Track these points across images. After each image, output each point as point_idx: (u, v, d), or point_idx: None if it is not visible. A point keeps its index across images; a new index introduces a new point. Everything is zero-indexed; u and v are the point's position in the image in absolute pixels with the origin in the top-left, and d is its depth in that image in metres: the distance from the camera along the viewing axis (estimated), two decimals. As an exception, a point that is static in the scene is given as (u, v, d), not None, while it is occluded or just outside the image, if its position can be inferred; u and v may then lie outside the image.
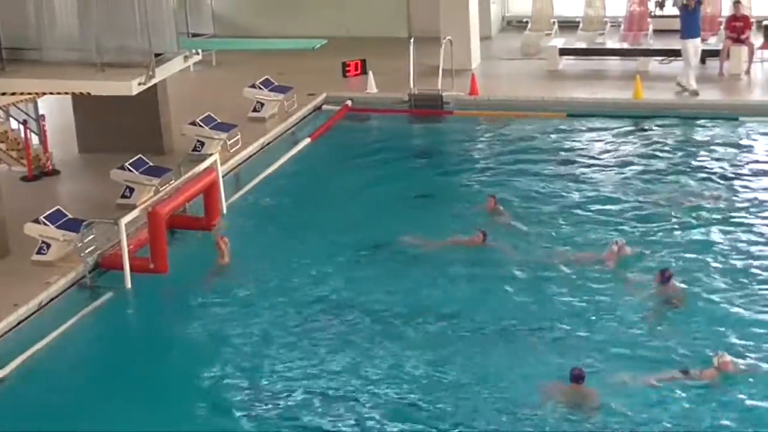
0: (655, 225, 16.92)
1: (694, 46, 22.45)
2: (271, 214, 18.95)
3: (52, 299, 15.47)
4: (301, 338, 14.80)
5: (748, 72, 23.28)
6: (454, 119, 23.18)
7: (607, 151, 20.85)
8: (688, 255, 15.89)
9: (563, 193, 18.85)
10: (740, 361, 13.35)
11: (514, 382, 13.28)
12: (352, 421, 12.71)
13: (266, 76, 22.72)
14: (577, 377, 12.64)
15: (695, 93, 22.02)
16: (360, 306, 15.54)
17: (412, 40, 23.61)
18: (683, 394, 12.76)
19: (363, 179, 20.17)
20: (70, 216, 16.74)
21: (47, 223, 16.40)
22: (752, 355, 13.43)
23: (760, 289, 14.74)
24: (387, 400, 13.12)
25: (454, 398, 12.95)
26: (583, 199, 18.80)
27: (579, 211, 18.44)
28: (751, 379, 13.12)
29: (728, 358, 13.31)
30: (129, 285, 15.89)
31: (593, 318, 14.56)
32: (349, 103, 23.41)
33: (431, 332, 14.49)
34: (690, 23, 22.89)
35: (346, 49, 25.07)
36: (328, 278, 16.36)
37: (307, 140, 21.75)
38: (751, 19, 24.38)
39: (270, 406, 13.22)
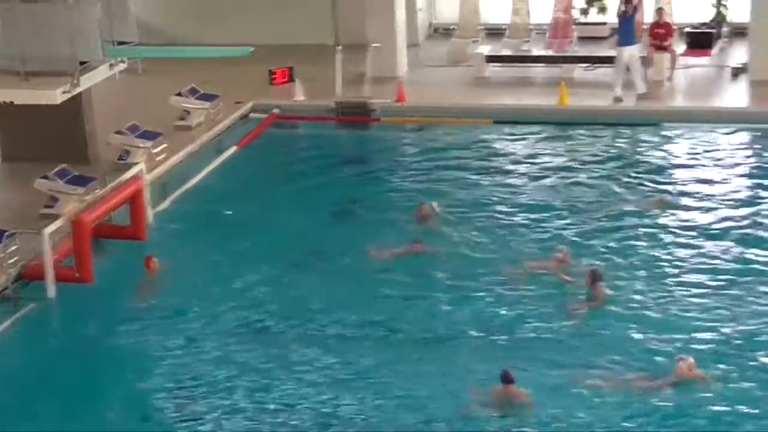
0: (581, 229, 17.11)
1: (629, 54, 22.72)
2: (199, 223, 18.90)
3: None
4: (229, 348, 14.71)
5: (670, 78, 23.64)
6: (382, 127, 23.27)
7: (534, 157, 21.01)
8: (615, 258, 16.09)
9: (492, 199, 18.99)
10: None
11: (443, 386, 13.29)
12: (285, 430, 12.76)
13: (192, 85, 22.69)
14: (505, 378, 12.72)
15: (619, 100, 22.33)
16: (287, 315, 15.51)
17: (339, 48, 23.78)
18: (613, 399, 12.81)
19: (291, 187, 20.17)
20: (-11, 226, 16.96)
21: (-35, 233, 16.65)
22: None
23: (681, 292, 15.05)
24: (314, 409, 13.09)
25: (379, 406, 12.97)
26: (512, 206, 18.92)
27: (508, 218, 18.57)
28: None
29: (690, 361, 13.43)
30: (52, 295, 15.77)
31: (524, 323, 14.62)
32: (276, 111, 23.44)
33: (359, 340, 14.47)
34: (627, 30, 23.24)
35: (272, 56, 24.89)
36: (256, 287, 16.32)
37: (234, 148, 21.82)
38: (674, 27, 24.75)
39: (196, 418, 13.11)
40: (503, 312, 14.82)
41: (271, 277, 16.60)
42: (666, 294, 15.10)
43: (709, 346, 14.24)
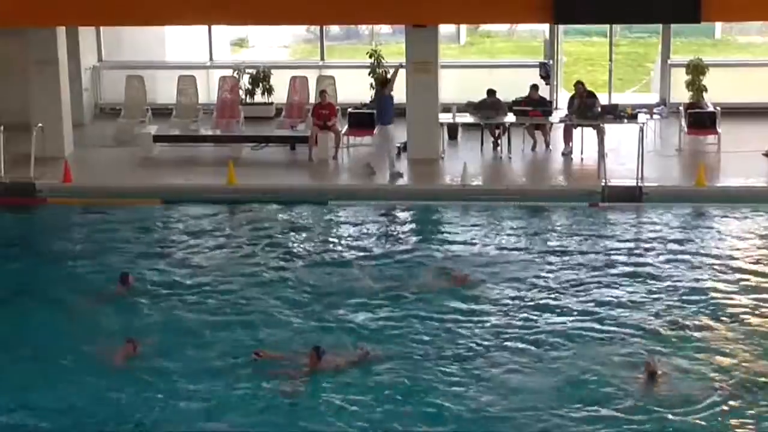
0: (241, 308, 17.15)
1: (389, 130, 23.58)
2: None
3: None
4: None
5: (335, 157, 24.30)
6: (48, 208, 22.84)
7: (204, 234, 21.06)
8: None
9: (161, 275, 18.84)
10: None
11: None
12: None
13: None
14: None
15: (397, 174, 23.09)
16: None
17: (1, 128, 23.17)
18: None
19: None
20: None
21: None
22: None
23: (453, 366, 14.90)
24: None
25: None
26: (188, 280, 18.78)
27: (185, 292, 18.28)
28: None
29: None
30: None
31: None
32: None
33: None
34: (383, 107, 23.70)
35: None
36: None
37: None
38: (337, 107, 25.38)
39: None
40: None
41: None
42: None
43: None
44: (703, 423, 13.39)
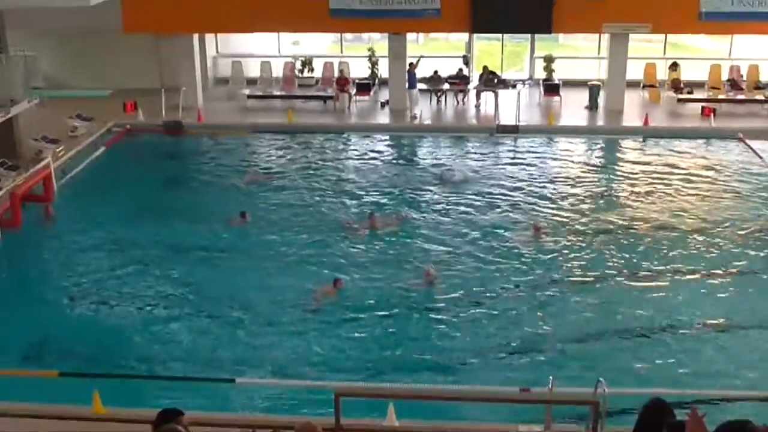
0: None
1: (415, 92, 24.17)
2: (83, 192, 19.06)
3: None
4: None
5: (349, 107, 24.80)
6: (189, 136, 22.79)
7: (273, 150, 21.38)
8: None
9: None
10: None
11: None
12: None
13: (78, 111, 22.67)
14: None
15: (414, 117, 23.41)
16: (151, 257, 15.34)
17: (163, 90, 24.10)
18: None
19: (134, 166, 20.55)
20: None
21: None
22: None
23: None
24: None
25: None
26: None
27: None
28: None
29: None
30: None
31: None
32: (127, 126, 23.31)
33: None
34: (411, 79, 24.21)
35: (122, 95, 24.82)
36: (124, 233, 16.45)
37: (104, 148, 21.80)
38: (350, 79, 25.31)
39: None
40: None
41: (136, 230, 16.40)
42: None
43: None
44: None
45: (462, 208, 17.80)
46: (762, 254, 15.45)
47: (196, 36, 25.28)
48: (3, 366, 11.02)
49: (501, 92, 24.85)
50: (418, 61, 24.41)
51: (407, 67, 24.24)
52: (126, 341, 12.35)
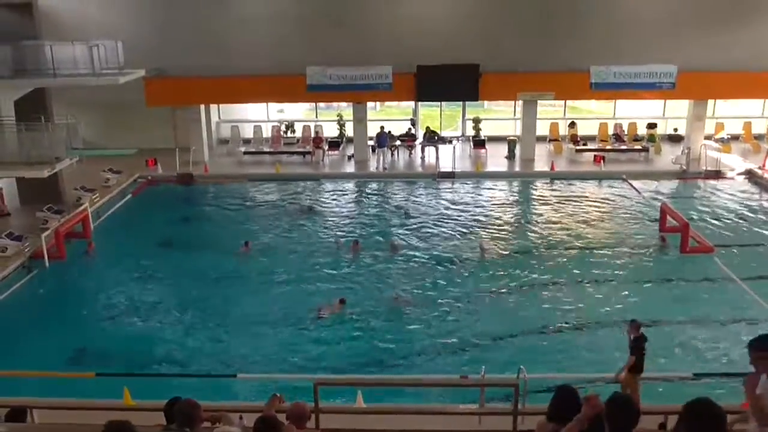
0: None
1: (385, 150, 23.63)
2: (114, 230, 18.67)
3: (8, 274, 15.40)
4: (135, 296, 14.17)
5: (323, 160, 24.05)
6: (198, 185, 22.10)
7: (264, 199, 20.31)
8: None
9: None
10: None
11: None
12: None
13: (110, 167, 22.39)
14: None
15: (385, 168, 22.60)
16: (171, 281, 14.89)
17: (176, 149, 23.66)
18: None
19: (159, 215, 19.70)
20: (16, 234, 16.91)
21: (4, 237, 16.54)
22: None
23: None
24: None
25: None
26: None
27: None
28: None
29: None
30: (47, 265, 15.93)
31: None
32: (149, 177, 23.09)
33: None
34: (381, 140, 23.78)
35: (145, 154, 24.42)
36: (148, 262, 15.86)
37: (130, 195, 21.61)
38: (323, 137, 24.94)
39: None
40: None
41: (156, 266, 15.57)
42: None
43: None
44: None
45: (414, 234, 17.71)
46: (638, 265, 15.52)
47: (203, 106, 25.23)
48: (51, 369, 10.86)
49: (441, 147, 24.74)
50: (382, 128, 24.34)
51: (378, 130, 24.11)
52: (151, 348, 12.11)
